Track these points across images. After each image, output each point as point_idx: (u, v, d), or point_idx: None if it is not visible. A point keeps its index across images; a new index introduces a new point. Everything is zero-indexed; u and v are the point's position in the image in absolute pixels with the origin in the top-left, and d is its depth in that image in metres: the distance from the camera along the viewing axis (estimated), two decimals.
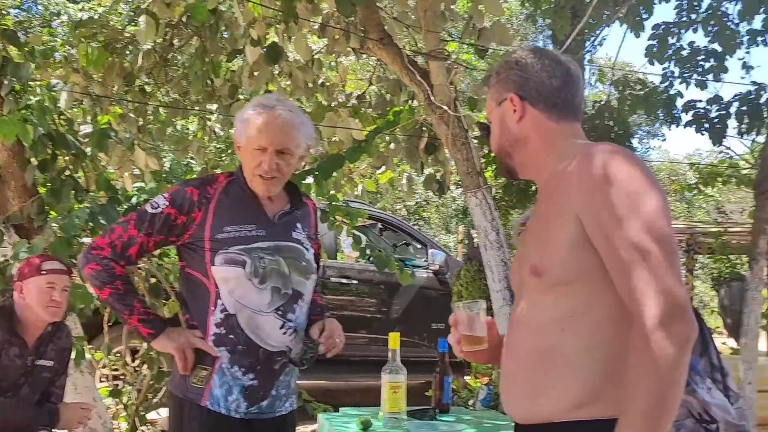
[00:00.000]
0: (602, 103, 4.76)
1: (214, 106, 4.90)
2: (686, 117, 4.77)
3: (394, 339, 2.60)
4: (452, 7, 4.07)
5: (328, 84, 5.26)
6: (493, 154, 5.21)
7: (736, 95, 4.85)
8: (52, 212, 3.62)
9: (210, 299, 1.95)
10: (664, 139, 23.67)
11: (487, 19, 3.75)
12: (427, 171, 5.53)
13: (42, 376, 2.66)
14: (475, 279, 3.81)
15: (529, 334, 1.33)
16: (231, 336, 1.93)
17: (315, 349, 1.98)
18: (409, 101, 4.91)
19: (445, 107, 3.62)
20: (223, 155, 7.19)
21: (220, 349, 1.94)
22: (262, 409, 1.97)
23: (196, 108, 4.84)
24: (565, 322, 1.27)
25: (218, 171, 4.99)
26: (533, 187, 4.97)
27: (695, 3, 4.90)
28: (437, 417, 2.74)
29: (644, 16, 4.97)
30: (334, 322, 2.09)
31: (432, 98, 3.68)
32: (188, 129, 7.60)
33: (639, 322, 1.14)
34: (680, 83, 4.80)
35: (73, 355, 3.06)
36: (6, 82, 3.45)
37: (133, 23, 4.74)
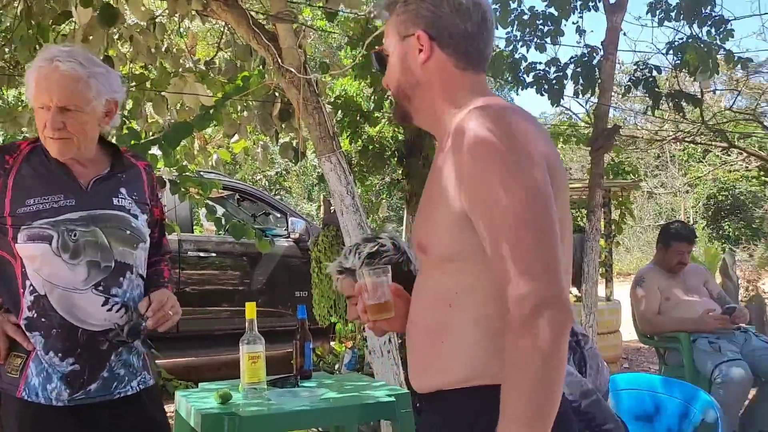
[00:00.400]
0: None
1: None
2: (528, 79, 5.00)
3: (250, 309, 2.55)
4: None
5: (174, 49, 5.01)
6: (347, 120, 5.25)
7: (571, 58, 5.14)
8: None
9: (19, 281, 1.78)
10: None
11: None
12: (283, 139, 5.45)
13: None
14: (333, 244, 3.81)
15: (422, 309, 1.31)
16: (43, 319, 1.78)
17: (138, 325, 1.84)
18: (260, 66, 4.79)
19: (294, 70, 3.55)
20: None
21: (33, 334, 1.78)
22: (91, 393, 1.82)
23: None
24: (452, 298, 1.22)
25: None
26: (389, 152, 5.03)
27: None
28: (299, 384, 2.74)
29: None
30: (165, 292, 1.94)
31: (280, 62, 3.60)
32: (22, 100, 7.01)
33: (511, 316, 1.08)
34: (521, 46, 5.01)
35: None
36: None
37: None
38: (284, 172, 15.80)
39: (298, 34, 3.63)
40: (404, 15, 1.32)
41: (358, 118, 4.98)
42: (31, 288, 1.77)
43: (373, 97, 4.99)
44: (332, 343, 6.10)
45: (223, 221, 3.93)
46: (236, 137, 5.11)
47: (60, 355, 1.78)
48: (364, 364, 5.36)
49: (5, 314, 1.82)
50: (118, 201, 1.88)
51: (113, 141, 2.60)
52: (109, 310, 1.82)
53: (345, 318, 3.94)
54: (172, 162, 3.62)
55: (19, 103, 6.85)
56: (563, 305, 1.07)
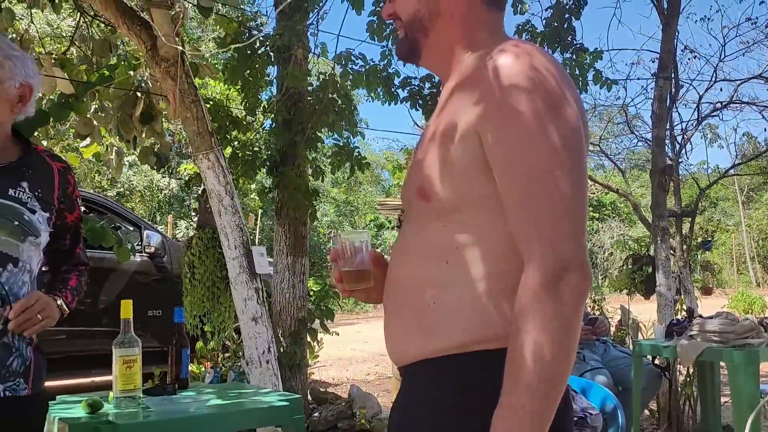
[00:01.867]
0: (326, 76, 4.79)
1: None
2: (403, 94, 5.02)
3: (126, 307, 2.28)
4: None
5: (20, 37, 4.54)
6: (216, 125, 4.98)
7: None
8: None
9: None
10: None
11: None
12: (143, 144, 5.08)
13: None
14: (209, 247, 3.54)
15: (410, 265, 1.12)
16: None
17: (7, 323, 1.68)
18: (123, 62, 4.45)
19: (171, 60, 3.30)
20: None
21: None
22: None
23: None
24: (450, 254, 1.06)
25: None
26: (260, 159, 4.83)
27: None
28: (177, 393, 2.47)
29: None
30: (36, 294, 1.77)
31: (154, 51, 3.34)
32: None
33: (525, 279, 0.96)
34: (398, 60, 5.02)
35: None
36: None
37: None
38: (128, 193, 14.85)
39: (175, 22, 3.39)
40: None
41: (227, 123, 4.74)
42: None
43: (244, 103, 4.77)
44: (189, 366, 5.71)
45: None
46: (88, 140, 4.71)
47: None
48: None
49: None
50: (15, 192, 1.80)
51: None
52: None
53: (218, 328, 3.67)
54: None
55: None
56: (586, 270, 0.97)
